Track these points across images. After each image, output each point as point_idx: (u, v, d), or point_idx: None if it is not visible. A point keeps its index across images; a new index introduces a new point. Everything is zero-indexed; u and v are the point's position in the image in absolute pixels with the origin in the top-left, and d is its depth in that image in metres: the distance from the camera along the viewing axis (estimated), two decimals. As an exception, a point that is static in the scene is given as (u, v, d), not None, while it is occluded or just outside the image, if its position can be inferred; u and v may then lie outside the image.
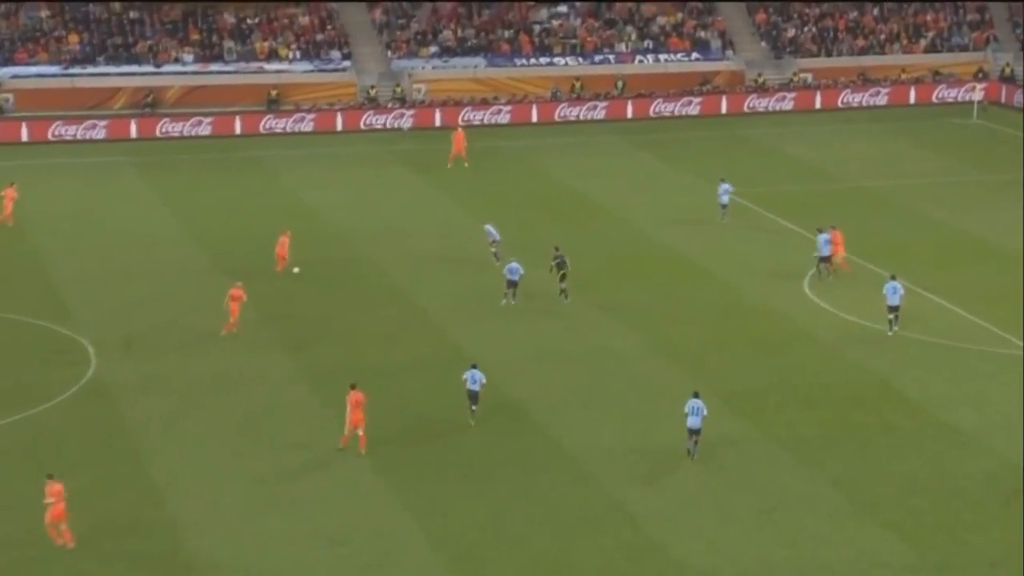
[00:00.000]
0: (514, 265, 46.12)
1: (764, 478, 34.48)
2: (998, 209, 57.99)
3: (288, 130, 72.05)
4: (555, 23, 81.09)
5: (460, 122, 72.39)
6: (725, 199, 55.81)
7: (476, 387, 37.51)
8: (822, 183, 62.51)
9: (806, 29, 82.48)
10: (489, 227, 49.99)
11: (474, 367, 37.71)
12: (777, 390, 39.74)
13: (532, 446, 36.36)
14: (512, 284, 45.93)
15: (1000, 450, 35.84)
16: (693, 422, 35.34)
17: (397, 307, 46.55)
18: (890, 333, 43.66)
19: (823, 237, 48.37)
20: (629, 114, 75.51)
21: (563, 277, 46.48)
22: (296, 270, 48.86)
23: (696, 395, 35.65)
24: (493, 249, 49.36)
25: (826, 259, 48.32)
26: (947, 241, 53.68)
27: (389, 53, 78.60)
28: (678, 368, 41.25)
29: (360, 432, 35.83)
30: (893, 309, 43.87)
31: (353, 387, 36.17)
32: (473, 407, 37.53)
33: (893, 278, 44.38)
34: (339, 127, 72.83)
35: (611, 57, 79.57)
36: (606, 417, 38.04)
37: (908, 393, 39.43)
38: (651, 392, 39.55)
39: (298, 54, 77.23)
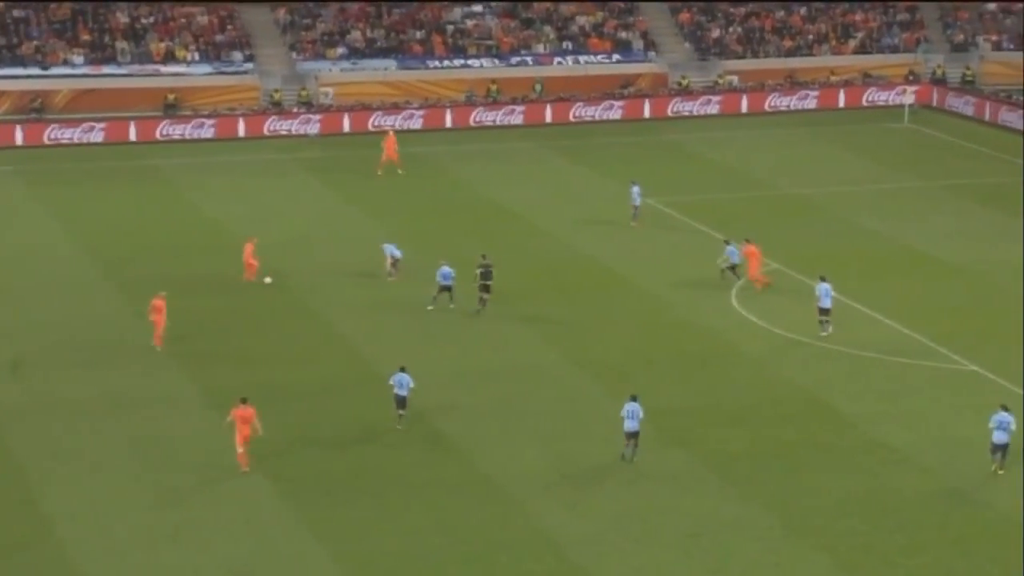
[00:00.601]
0: (447, 270, 46.56)
1: (691, 500, 34.70)
2: (930, 217, 58.89)
3: (187, 137, 71.48)
4: (470, 23, 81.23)
5: (372, 127, 72.27)
6: (637, 201, 56.85)
7: (404, 392, 37.94)
8: (749, 190, 63.12)
9: (731, 29, 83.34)
10: (391, 247, 49.50)
11: (402, 370, 38.11)
12: (704, 407, 40.02)
13: (448, 469, 36.30)
14: (446, 288, 46.48)
15: (934, 469, 36.33)
16: (631, 426, 36.15)
17: (304, 323, 46.31)
18: (823, 334, 44.36)
19: (730, 249, 48.97)
20: (548, 118, 75.79)
21: (486, 288, 46.65)
22: (268, 280, 48.73)
23: (634, 398, 36.46)
24: (390, 268, 48.67)
25: (733, 267, 48.86)
26: (878, 251, 54.39)
27: (294, 55, 78.27)
28: (601, 385, 41.40)
29: (241, 450, 35.63)
30: (824, 312, 44.65)
31: (244, 401, 36.12)
32: (401, 412, 37.88)
33: (823, 280, 45.16)
34: (241, 133, 72.38)
35: (529, 59, 79.85)
36: (526, 437, 38.08)
37: (839, 409, 39.88)
38: (573, 410, 39.66)
39: (197, 56, 76.68)
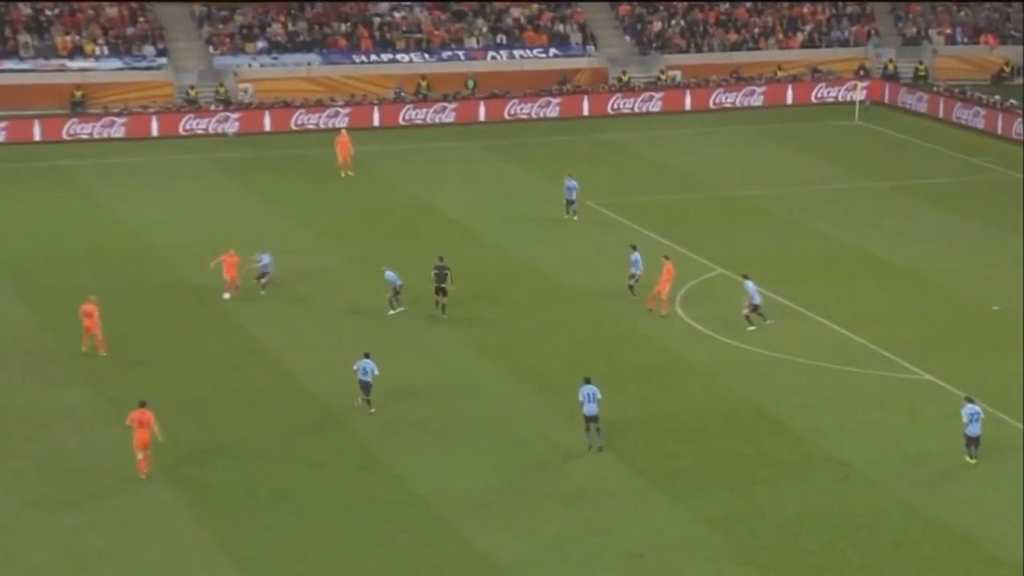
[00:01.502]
0: (391, 274, 47.22)
1: (634, 519, 34.89)
2: (882, 219, 59.53)
3: (96, 136, 70.98)
4: (398, 15, 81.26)
5: (295, 126, 72.11)
6: (572, 195, 57.56)
7: (368, 378, 39.79)
8: (693, 191, 63.54)
9: (674, 22, 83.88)
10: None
11: (366, 356, 39.74)
12: (648, 421, 40.25)
13: (379, 489, 36.29)
14: (397, 291, 47.07)
15: (888, 484, 36.74)
16: (590, 409, 37.42)
17: (225, 336, 46.13)
18: (751, 328, 45.71)
19: (635, 256, 49.26)
20: (481, 116, 75.93)
21: (443, 291, 47.13)
22: (227, 295, 48.39)
23: (588, 380, 37.61)
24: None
25: (634, 276, 49.21)
26: (827, 254, 54.91)
27: (211, 49, 77.94)
28: (539, 398, 41.55)
29: (141, 456, 36.03)
30: (755, 308, 46.07)
31: (142, 405, 36.46)
32: (366, 398, 39.63)
33: (746, 277, 46.56)
34: (155, 132, 71.97)
35: (461, 53, 79.99)
36: (460, 456, 38.14)
37: (789, 422, 40.24)
38: (510, 426, 39.76)
39: (106, 50, 76.17)
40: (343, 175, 64.06)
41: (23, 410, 40.42)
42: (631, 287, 49.18)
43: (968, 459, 37.41)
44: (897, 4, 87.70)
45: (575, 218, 57.94)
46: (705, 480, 36.80)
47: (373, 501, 35.58)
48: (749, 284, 46.49)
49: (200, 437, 38.93)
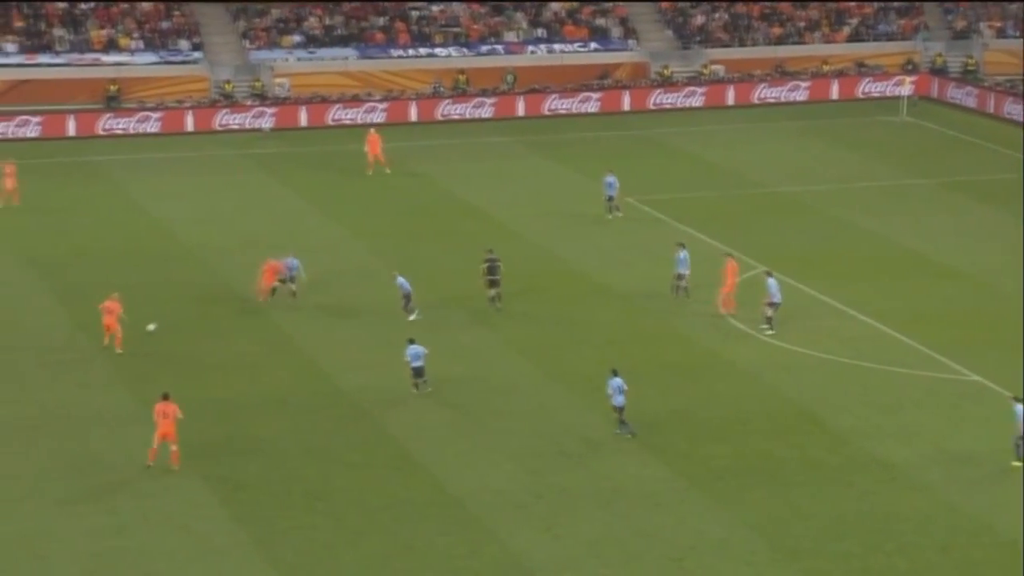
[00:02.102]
0: (402, 280, 46.75)
1: (674, 521, 34.76)
2: (929, 216, 59.15)
3: (130, 131, 71.30)
4: (436, 9, 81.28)
5: (331, 121, 72.24)
6: (612, 192, 57.69)
7: (420, 362, 40.94)
8: (735, 188, 63.30)
9: (717, 16, 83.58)
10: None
11: (411, 342, 41.00)
12: (688, 422, 40.10)
13: (414, 490, 36.29)
14: (408, 297, 46.83)
15: (934, 486, 36.48)
16: (619, 401, 38.22)
17: (259, 334, 46.22)
18: (770, 330, 45.57)
19: (682, 255, 48.96)
20: (520, 112, 75.86)
21: (493, 283, 47.45)
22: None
23: (615, 373, 38.25)
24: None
25: (682, 276, 48.87)
26: (873, 253, 54.59)
27: (246, 43, 78.14)
28: (577, 398, 41.45)
29: (173, 447, 36.58)
30: (774, 306, 45.82)
31: (165, 397, 36.87)
32: (421, 380, 40.99)
33: (769, 275, 46.44)
34: (189, 127, 72.24)
35: (500, 48, 79.92)
36: (496, 456, 38.09)
37: (832, 424, 40.02)
38: (547, 427, 39.69)
39: (141, 44, 76.49)
40: (370, 172, 63.97)
41: (56, 409, 40.64)
42: (677, 288, 48.80)
43: (1015, 462, 37.08)
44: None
45: (618, 214, 57.77)
46: (746, 482, 36.63)
47: (408, 502, 35.57)
48: (771, 281, 46.18)
49: (234, 437, 39.04)
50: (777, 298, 46.01)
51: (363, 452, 38.22)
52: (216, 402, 40.95)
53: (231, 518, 34.72)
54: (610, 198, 57.97)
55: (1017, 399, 37.67)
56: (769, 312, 46.02)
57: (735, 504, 35.52)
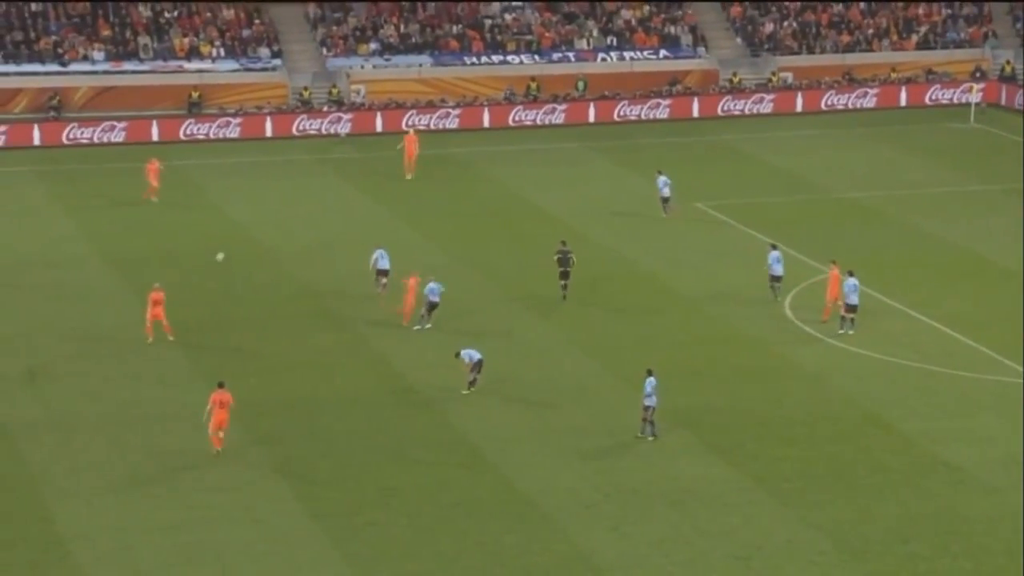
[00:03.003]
0: (434, 285, 46.15)
1: (741, 521, 34.54)
2: (997, 222, 58.46)
3: (211, 136, 71.81)
4: (509, 17, 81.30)
5: (404, 127, 72.41)
6: (666, 192, 58.10)
7: (475, 360, 41.09)
8: (804, 194, 62.87)
9: (786, 24, 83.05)
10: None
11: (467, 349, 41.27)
12: (755, 425, 39.84)
13: (485, 489, 36.28)
14: (433, 306, 45.91)
15: (1003, 490, 36.03)
16: (653, 401, 38.16)
17: (333, 334, 46.40)
18: (848, 332, 45.18)
19: (774, 254, 48.90)
20: (591, 118, 75.73)
21: (564, 275, 47.95)
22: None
23: (650, 372, 38.28)
24: (383, 280, 48.06)
25: (778, 278, 48.79)
26: (941, 257, 54.03)
27: (324, 51, 78.53)
28: (641, 398, 41.23)
29: (221, 434, 37.28)
30: (851, 308, 45.32)
31: (220, 386, 37.53)
32: (475, 376, 41.06)
33: (851, 274, 45.76)
34: (268, 133, 72.65)
35: (571, 55, 79.81)
36: (565, 455, 38.01)
37: (899, 427, 39.62)
38: (615, 427, 39.56)
39: (222, 52, 77.03)
40: (408, 176, 63.98)
41: (137, 406, 40.97)
42: (773, 288, 48.73)
43: None
44: (1016, 4, 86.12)
45: (665, 216, 58.03)
46: (813, 484, 36.34)
47: (478, 499, 35.56)
48: (851, 281, 45.76)
49: (309, 434, 39.20)
50: (853, 299, 45.52)
51: (435, 450, 38.25)
52: (292, 400, 41.15)
53: (306, 513, 34.86)
54: (665, 199, 58.19)
55: None
56: (845, 313, 45.61)
57: (801, 505, 35.24)
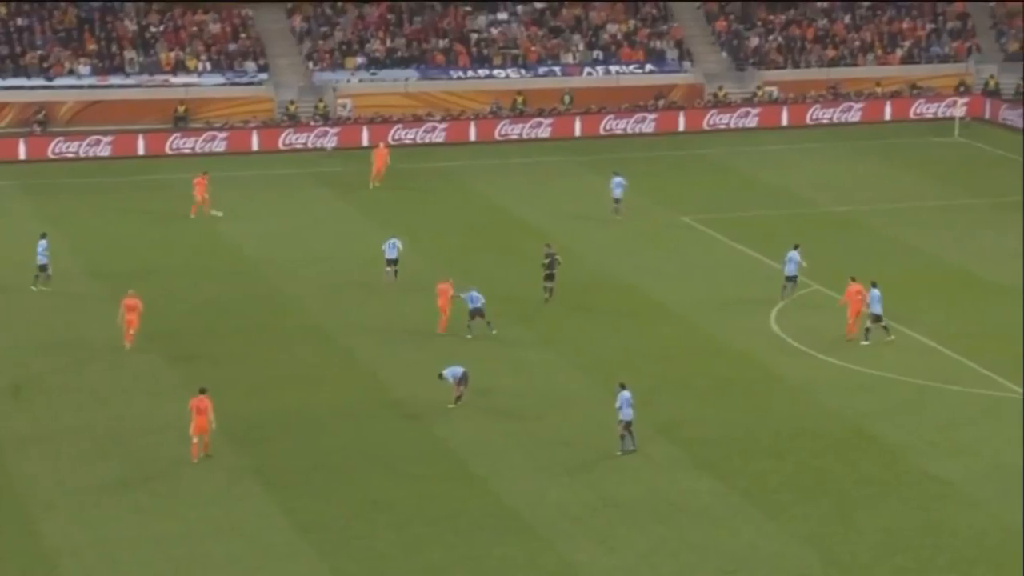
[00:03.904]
0: (474, 293, 46.89)
1: (727, 535, 34.60)
2: (981, 236, 58.68)
3: (198, 150, 71.79)
4: (495, 31, 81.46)
5: (391, 140, 72.43)
6: (618, 192, 59.34)
7: (452, 378, 41.15)
8: (790, 207, 63.04)
9: (771, 38, 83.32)
10: (395, 241, 51.19)
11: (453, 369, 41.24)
12: (742, 438, 39.92)
13: (472, 501, 36.30)
14: (477, 312, 46.66)
15: (989, 503, 36.13)
16: (628, 414, 38.09)
17: (319, 346, 46.42)
18: (867, 342, 45.68)
19: (791, 254, 49.88)
20: (577, 132, 75.88)
21: (550, 277, 48.86)
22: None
23: (623, 386, 38.31)
24: (388, 268, 50.71)
25: (792, 278, 49.66)
26: (926, 272, 54.21)
27: (310, 65, 78.59)
28: (633, 412, 41.31)
29: (205, 438, 37.63)
30: (876, 319, 45.97)
31: (202, 392, 37.84)
32: (461, 391, 41.17)
33: (874, 285, 46.31)
34: (255, 147, 72.67)
35: (557, 69, 79.98)
36: (552, 469, 38.04)
37: (886, 440, 39.73)
38: (602, 440, 39.58)
39: (208, 66, 77.04)
40: (372, 186, 64.20)
41: (127, 418, 40.92)
42: (783, 287, 49.85)
43: None
44: (999, 18, 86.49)
45: (618, 216, 59.31)
46: (800, 497, 36.42)
47: (466, 513, 35.58)
48: (875, 292, 46.30)
49: (297, 448, 39.20)
50: (877, 309, 45.96)
51: (423, 463, 38.27)
52: (279, 413, 41.15)
53: (293, 527, 34.84)
54: (616, 200, 59.27)
55: None
56: (869, 324, 46.04)
57: (788, 518, 35.32)
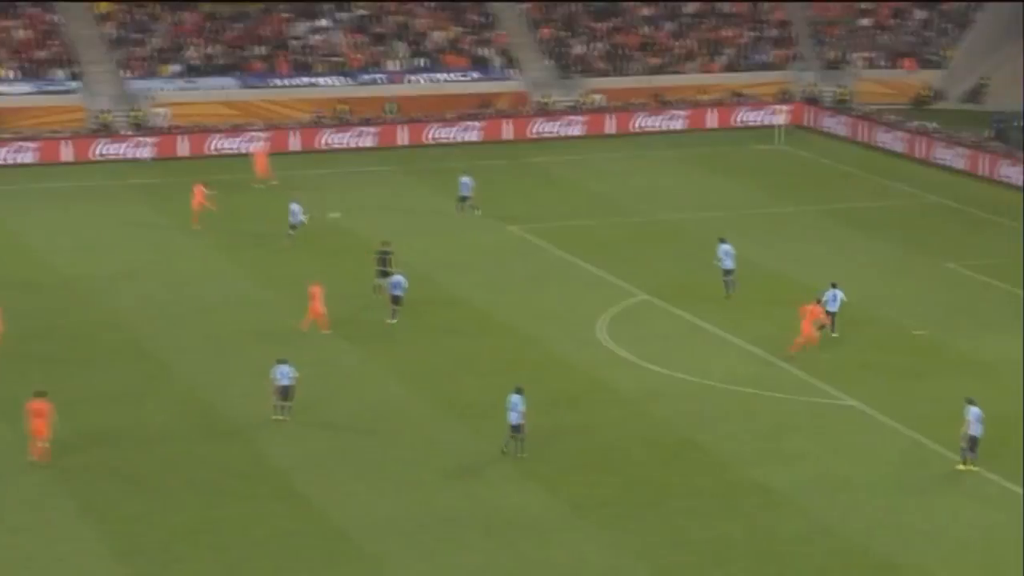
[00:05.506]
0: (399, 278, 48.43)
1: (558, 550, 34.76)
2: (803, 244, 59.90)
3: (6, 161, 70.18)
4: (316, 39, 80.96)
5: (212, 150, 71.53)
6: (465, 192, 61.11)
7: (286, 382, 40.88)
8: (615, 216, 63.69)
9: (596, 46, 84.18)
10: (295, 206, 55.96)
11: (282, 362, 41.15)
12: (571, 450, 40.16)
13: (298, 521, 35.94)
14: (397, 299, 48.31)
15: (813, 510, 36.86)
16: (515, 418, 38.38)
17: (136, 363, 45.63)
18: (835, 334, 47.55)
19: (724, 248, 51.58)
20: (402, 140, 75.78)
21: (382, 274, 50.30)
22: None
23: (519, 391, 38.64)
24: (291, 232, 54.27)
25: (728, 272, 51.53)
26: (752, 280, 55.06)
27: (125, 73, 77.24)
28: (460, 426, 41.37)
29: (42, 444, 37.45)
30: (831, 315, 47.84)
31: (39, 395, 37.88)
32: (288, 403, 40.88)
33: (834, 286, 48.35)
34: (67, 158, 71.22)
35: (381, 77, 79.83)
36: (381, 486, 37.86)
37: (714, 449, 40.30)
38: (432, 456, 39.54)
39: (16, 74, 75.25)
40: (257, 186, 63.95)
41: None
42: (725, 283, 51.23)
43: (959, 466, 38.46)
44: (818, 28, 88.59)
45: (477, 213, 60.53)
46: (630, 509, 36.76)
47: (292, 532, 35.23)
48: (837, 292, 48.06)
49: (115, 470, 38.41)
50: (832, 308, 47.69)
51: (246, 482, 37.79)
52: (94, 433, 40.31)
53: (110, 553, 34.13)
54: (464, 198, 60.62)
55: (970, 401, 38.45)
56: (825, 321, 47.42)
57: (619, 531, 35.62)
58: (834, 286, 48.56)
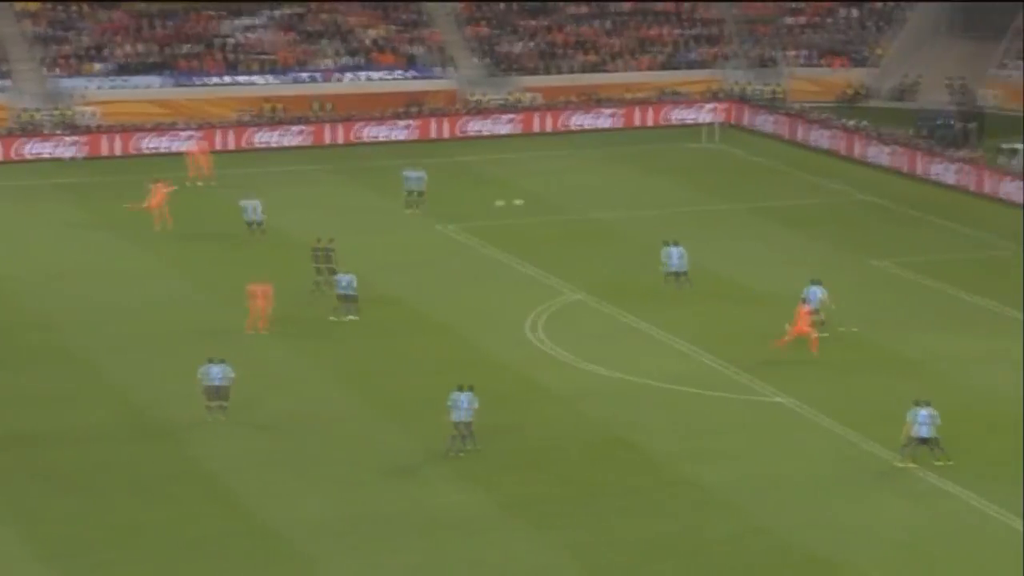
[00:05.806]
0: (348, 277, 48.96)
1: (491, 549, 34.79)
2: (735, 242, 60.22)
3: (-70, 160, 69.36)
4: (246, 36, 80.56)
5: (143, 149, 71.08)
6: (420, 186, 61.80)
7: (218, 382, 40.68)
8: (548, 214, 63.79)
9: (528, 44, 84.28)
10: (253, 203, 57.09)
11: (217, 362, 41.08)
12: (505, 449, 40.18)
13: (229, 523, 35.75)
14: (351, 299, 48.76)
15: (745, 508, 37.05)
16: (462, 415, 38.52)
17: (64, 365, 45.23)
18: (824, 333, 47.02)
19: (676, 250, 52.35)
20: (333, 139, 75.55)
21: (321, 271, 50.56)
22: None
23: (465, 388, 39.11)
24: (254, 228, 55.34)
25: (680, 275, 52.00)
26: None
27: (51, 70, 76.52)
28: (391, 425, 41.32)
29: None
30: (815, 312, 47.56)
31: None
32: (218, 404, 40.57)
33: (817, 284, 48.05)
34: (-8, 157, 70.52)
35: (311, 75, 79.52)
36: (314, 486, 37.74)
37: (646, 448, 40.44)
38: (365, 455, 39.46)
39: (-59, 71, 74.48)
40: (200, 184, 64.37)
41: None
42: (678, 283, 51.92)
43: (898, 463, 38.77)
44: (749, 26, 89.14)
45: (409, 211, 61.35)
46: (564, 507, 36.82)
47: (224, 533, 35.04)
48: (816, 290, 47.77)
49: (39, 473, 38.03)
50: (814, 304, 47.40)
51: (176, 483, 37.54)
52: (20, 436, 39.89)
53: (32, 556, 33.78)
54: (418, 192, 61.35)
55: (918, 402, 38.74)
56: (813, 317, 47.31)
57: (552, 529, 35.68)
58: (814, 283, 48.38)
